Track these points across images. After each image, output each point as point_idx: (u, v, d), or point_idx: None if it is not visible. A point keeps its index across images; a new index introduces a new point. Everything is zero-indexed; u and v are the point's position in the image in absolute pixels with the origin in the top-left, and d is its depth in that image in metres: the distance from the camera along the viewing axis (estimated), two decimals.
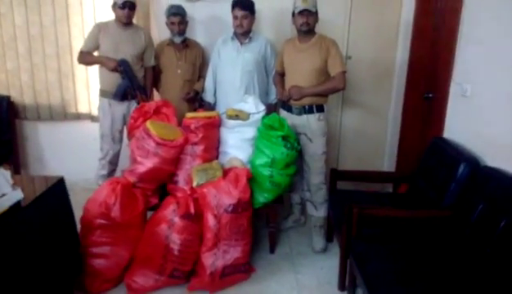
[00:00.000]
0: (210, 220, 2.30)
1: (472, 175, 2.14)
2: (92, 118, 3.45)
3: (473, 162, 2.16)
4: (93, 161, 3.16)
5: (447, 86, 2.62)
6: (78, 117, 3.52)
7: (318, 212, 2.77)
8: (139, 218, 2.35)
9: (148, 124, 2.49)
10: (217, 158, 2.73)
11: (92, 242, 2.25)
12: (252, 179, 2.48)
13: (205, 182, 2.43)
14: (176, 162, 2.56)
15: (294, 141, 2.49)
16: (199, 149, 2.59)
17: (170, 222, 2.29)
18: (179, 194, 2.48)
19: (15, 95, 3.46)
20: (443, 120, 2.65)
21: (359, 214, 2.11)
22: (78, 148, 3.59)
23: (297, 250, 2.76)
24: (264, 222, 2.84)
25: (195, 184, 2.43)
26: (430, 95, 3.00)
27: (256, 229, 2.71)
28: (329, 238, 2.82)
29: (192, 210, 2.32)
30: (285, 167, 2.49)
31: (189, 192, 2.49)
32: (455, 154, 2.29)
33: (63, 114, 3.50)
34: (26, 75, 3.40)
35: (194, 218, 2.32)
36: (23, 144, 3.65)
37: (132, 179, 2.43)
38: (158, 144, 2.42)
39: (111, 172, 3.17)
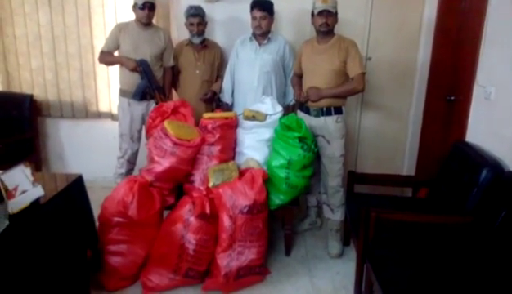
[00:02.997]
0: (226, 221, 2.30)
1: (495, 180, 2.07)
2: (113, 117, 3.50)
3: (496, 167, 2.10)
4: (112, 159, 3.20)
5: (470, 89, 2.54)
6: (99, 115, 3.57)
7: (335, 216, 2.74)
8: (155, 217, 2.37)
9: (165, 124, 2.51)
10: (233, 158, 2.73)
11: (109, 239, 2.28)
12: (268, 180, 2.47)
13: (221, 182, 2.43)
14: (192, 162, 2.57)
15: (311, 143, 2.46)
16: (216, 149, 2.59)
17: (186, 222, 2.30)
18: (195, 194, 2.49)
19: (38, 93, 3.53)
20: (466, 123, 2.58)
21: (377, 218, 2.07)
22: (98, 146, 3.65)
23: (313, 253, 2.73)
24: (280, 224, 2.83)
25: (211, 184, 2.44)
26: (452, 98, 2.93)
27: (272, 231, 2.70)
28: (345, 242, 2.78)
29: (208, 210, 2.33)
30: (301, 169, 2.46)
31: (205, 192, 2.49)
32: (478, 159, 2.22)
33: (84, 112, 3.56)
34: (50, 74, 3.48)
35: (209, 218, 2.32)
36: (44, 142, 3.73)
37: (149, 178, 2.46)
38: (175, 143, 2.44)
39: (129, 171, 3.21)
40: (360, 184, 2.73)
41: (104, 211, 2.31)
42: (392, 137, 3.54)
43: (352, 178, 2.71)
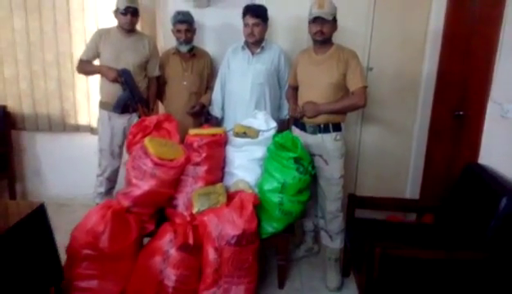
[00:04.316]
0: (210, 254, 2.04)
1: None
2: (92, 131, 3.25)
3: None
4: (93, 175, 2.97)
5: (483, 105, 2.30)
6: (78, 128, 3.31)
7: (334, 243, 2.47)
8: (131, 248, 2.09)
9: (146, 142, 2.25)
10: (221, 179, 2.47)
11: (77, 274, 2.01)
12: (259, 205, 2.21)
13: (207, 208, 2.17)
14: (175, 184, 2.31)
15: (308, 164, 2.21)
16: (202, 170, 2.34)
17: (165, 254, 2.03)
18: (178, 221, 2.23)
19: (12, 105, 3.27)
20: (478, 143, 2.33)
21: (382, 254, 1.81)
22: (78, 161, 3.38)
23: (309, 285, 2.46)
24: (273, 251, 2.56)
25: (195, 210, 2.17)
26: (461, 113, 2.69)
27: (263, 260, 2.43)
28: (345, 273, 2.51)
29: (191, 240, 2.06)
30: (296, 194, 2.21)
31: (189, 218, 2.23)
32: (496, 185, 1.97)
33: (62, 125, 3.29)
34: (25, 83, 3.21)
35: (192, 250, 2.06)
36: (20, 157, 3.46)
37: (125, 203, 2.19)
38: (156, 164, 2.18)
39: (109, 190, 2.96)
40: (361, 208, 2.46)
41: (72, 242, 2.04)
42: (394, 154, 3.29)
43: (353, 202, 2.45)
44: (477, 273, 1.85)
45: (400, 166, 3.31)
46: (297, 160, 2.18)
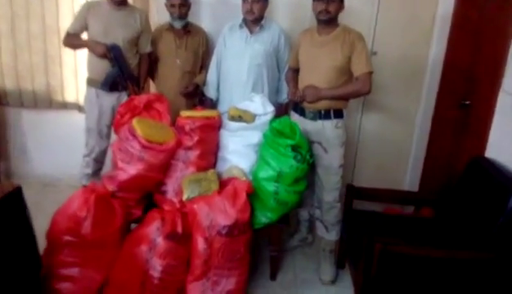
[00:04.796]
0: (200, 244, 1.92)
1: None
2: (80, 109, 3.08)
3: None
4: (80, 155, 2.81)
5: (493, 96, 2.17)
6: (65, 106, 3.14)
7: (329, 235, 2.37)
8: (115, 235, 1.97)
9: (134, 122, 2.11)
10: (214, 164, 2.34)
11: (58, 261, 1.89)
12: (253, 194, 2.09)
13: (198, 196, 2.04)
14: (165, 168, 2.18)
15: (306, 153, 2.08)
16: (194, 154, 2.21)
17: (152, 243, 1.91)
18: (166, 208, 2.10)
19: None
20: (486, 136, 2.21)
21: (382, 250, 1.70)
22: (65, 140, 3.23)
23: (302, 277, 2.36)
24: (266, 241, 2.45)
25: (185, 197, 2.05)
26: (468, 103, 2.56)
27: (255, 250, 2.32)
28: (340, 265, 2.41)
29: (180, 228, 1.94)
30: (293, 183, 2.08)
31: (178, 205, 2.11)
32: (505, 181, 1.86)
33: (48, 102, 3.12)
34: (8, 56, 3.02)
35: (181, 239, 1.94)
36: (3, 134, 3.29)
37: (111, 187, 2.06)
38: (144, 147, 2.04)
39: (97, 171, 2.82)
40: (360, 199, 2.35)
41: (53, 227, 1.91)
42: (395, 143, 3.17)
43: (351, 193, 2.34)
44: (484, 270, 1.76)
45: (400, 155, 3.19)
46: (295, 148, 2.04)
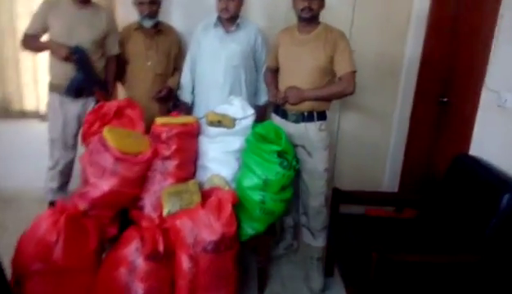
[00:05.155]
0: (184, 263, 1.78)
1: None
2: (41, 117, 2.85)
3: None
4: (43, 166, 2.60)
5: (475, 93, 2.16)
6: (24, 115, 2.89)
7: (316, 241, 2.29)
8: (90, 259, 1.79)
9: (105, 132, 1.94)
10: (194, 174, 2.20)
11: (28, 292, 1.69)
12: (238, 204, 1.96)
13: (179, 210, 1.89)
14: (141, 181, 2.02)
15: (292, 158, 1.98)
16: (172, 164, 2.05)
17: (131, 265, 1.75)
18: (145, 224, 1.93)
19: None
20: (468, 133, 2.20)
21: (379, 260, 1.63)
22: (26, 151, 2.97)
23: (291, 288, 2.26)
24: (250, 251, 2.33)
25: (165, 212, 1.90)
26: (445, 100, 2.56)
27: (241, 261, 2.20)
28: (328, 272, 2.34)
29: (161, 247, 1.79)
30: (280, 191, 1.98)
31: (157, 221, 1.95)
32: (494, 180, 1.83)
33: (5, 111, 2.86)
34: None
35: (163, 258, 1.78)
36: None
37: (82, 205, 1.87)
38: (117, 159, 1.88)
39: (63, 185, 2.62)
40: (346, 204, 2.28)
41: (19, 254, 1.71)
42: (373, 143, 3.15)
43: (338, 197, 2.26)
44: (476, 273, 1.73)
45: (378, 155, 3.17)
46: (280, 154, 1.94)
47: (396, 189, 3.06)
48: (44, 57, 2.54)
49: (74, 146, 2.55)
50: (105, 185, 1.86)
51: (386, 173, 3.17)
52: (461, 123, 2.33)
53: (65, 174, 2.58)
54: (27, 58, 2.77)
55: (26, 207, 2.91)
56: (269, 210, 1.97)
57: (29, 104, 2.88)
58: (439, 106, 2.62)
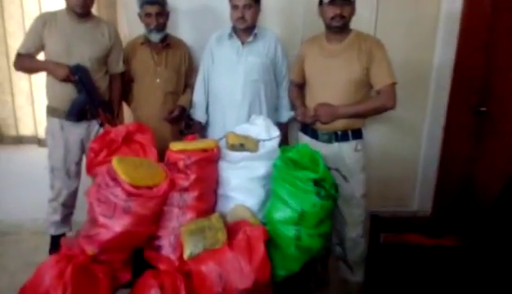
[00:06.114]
0: None
1: None
2: (39, 142, 2.60)
3: None
4: (42, 195, 2.36)
5: None
6: (20, 140, 2.64)
7: (356, 276, 2.04)
8: None
9: (115, 163, 1.68)
10: (215, 205, 1.95)
11: None
12: (268, 241, 1.71)
13: (202, 250, 1.64)
14: (157, 217, 1.76)
15: (330, 186, 1.72)
16: (191, 196, 1.80)
17: None
18: (163, 267, 1.68)
19: None
20: None
21: None
22: (24, 179, 2.71)
23: None
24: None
25: (187, 254, 1.64)
26: (484, 110, 2.33)
27: None
28: None
29: None
30: (317, 225, 1.72)
31: (177, 263, 1.69)
32: None
33: None
34: None
35: None
36: None
37: (90, 250, 1.62)
38: (130, 194, 1.62)
39: (66, 217, 2.39)
40: (389, 232, 2.02)
41: None
42: (400, 157, 2.90)
43: (378, 225, 2.00)
44: None
45: (407, 171, 2.93)
46: (317, 182, 1.69)
47: (428, 209, 2.81)
48: (41, 77, 2.30)
49: (78, 174, 2.31)
50: (116, 226, 1.60)
51: (416, 191, 2.93)
52: (506, 135, 2.09)
53: (68, 205, 2.34)
54: (22, 79, 2.52)
55: (25, 240, 2.69)
56: (305, 247, 1.71)
57: (26, 128, 2.62)
58: (477, 116, 2.39)
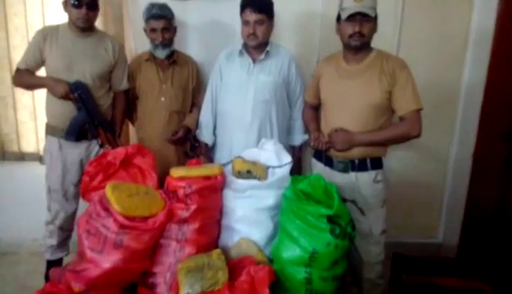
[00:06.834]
0: None
1: None
2: (41, 160, 2.51)
3: None
4: (45, 215, 2.23)
5: None
6: (22, 157, 2.55)
7: None
8: None
9: (108, 191, 1.54)
10: (218, 237, 1.77)
11: None
12: (275, 282, 1.52)
13: (200, 292, 1.46)
14: (152, 252, 1.59)
15: (346, 224, 1.53)
16: (191, 229, 1.63)
17: None
18: None
19: None
20: None
21: None
22: (25, 197, 2.61)
23: None
24: None
25: None
26: None
27: None
28: None
29: None
30: (331, 267, 1.53)
31: None
32: None
33: (1, 153, 2.52)
34: None
35: None
36: None
37: (76, 287, 1.46)
38: (122, 226, 1.47)
39: (63, 241, 2.27)
40: (411, 274, 1.81)
41: None
42: (425, 185, 2.68)
43: (400, 264, 1.80)
44: None
45: (432, 200, 2.71)
46: (331, 218, 1.50)
47: (455, 240, 2.57)
48: (44, 93, 2.20)
49: (76, 196, 2.19)
50: (105, 262, 1.45)
51: (442, 222, 2.69)
52: None
53: (66, 229, 2.23)
54: (26, 95, 2.45)
55: (23, 261, 2.60)
56: (317, 291, 1.52)
57: (28, 144, 2.55)
58: (509, 144, 2.16)
